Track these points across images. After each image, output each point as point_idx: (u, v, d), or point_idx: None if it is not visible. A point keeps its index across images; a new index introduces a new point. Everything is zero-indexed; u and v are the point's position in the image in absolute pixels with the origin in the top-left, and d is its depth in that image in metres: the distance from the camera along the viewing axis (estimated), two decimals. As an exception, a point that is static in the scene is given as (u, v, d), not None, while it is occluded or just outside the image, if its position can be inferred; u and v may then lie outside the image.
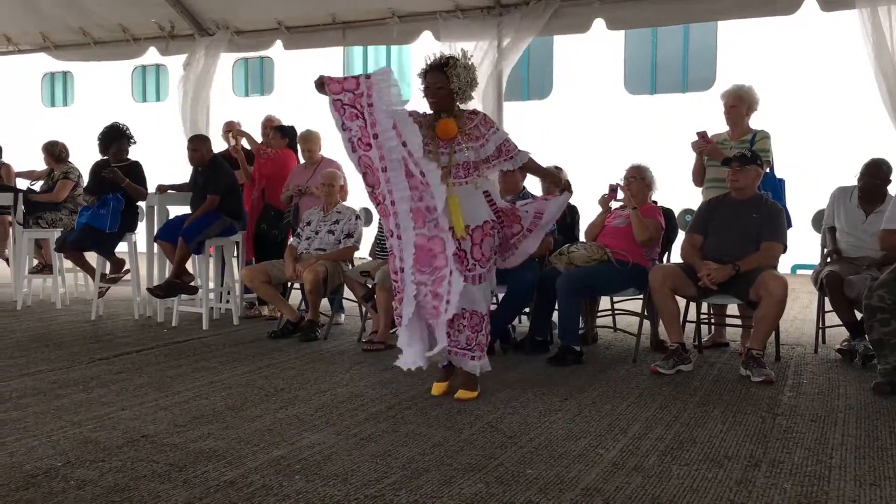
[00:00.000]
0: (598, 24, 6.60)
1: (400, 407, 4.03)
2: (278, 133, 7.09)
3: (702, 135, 5.53)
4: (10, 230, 7.99)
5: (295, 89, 14.81)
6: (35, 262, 8.11)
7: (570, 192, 4.72)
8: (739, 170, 5.02)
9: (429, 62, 4.26)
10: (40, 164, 8.17)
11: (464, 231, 4.09)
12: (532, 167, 4.53)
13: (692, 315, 5.55)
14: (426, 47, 8.42)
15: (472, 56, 4.34)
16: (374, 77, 4.03)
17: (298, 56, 9.51)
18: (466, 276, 4.12)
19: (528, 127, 11.69)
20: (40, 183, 8.16)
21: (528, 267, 5.28)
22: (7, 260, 8.28)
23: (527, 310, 5.72)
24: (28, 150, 8.91)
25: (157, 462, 3.17)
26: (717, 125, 5.72)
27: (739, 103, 5.56)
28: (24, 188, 7.99)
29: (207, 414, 3.88)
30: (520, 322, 6.14)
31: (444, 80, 4.16)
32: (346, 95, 4.02)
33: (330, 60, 13.54)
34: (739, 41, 14.22)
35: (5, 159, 8.50)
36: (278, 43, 7.75)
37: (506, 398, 4.21)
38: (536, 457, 3.26)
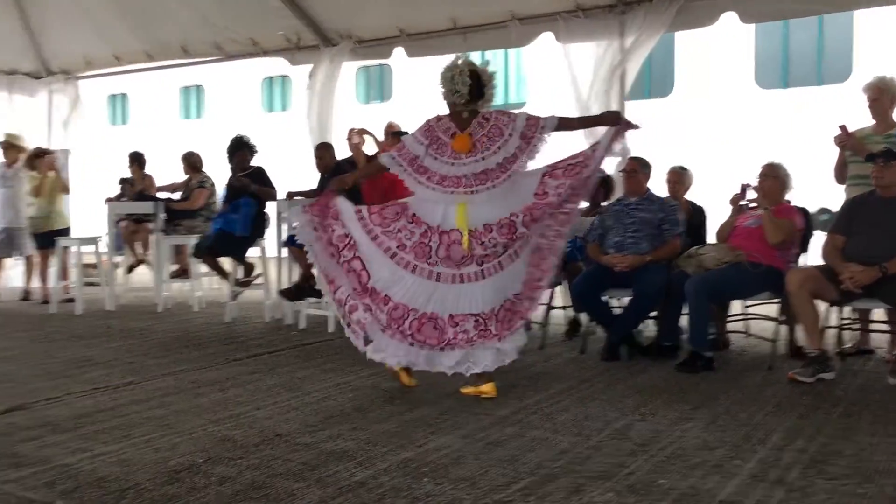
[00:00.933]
0: (727, 17, 6.36)
1: (525, 411, 3.99)
2: (396, 139, 7.19)
3: (843, 128, 5.23)
4: (152, 237, 8.46)
5: (412, 95, 15.04)
6: (174, 266, 8.55)
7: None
8: (884, 166, 4.71)
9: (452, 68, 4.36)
10: (179, 174, 8.61)
11: (468, 243, 4.19)
12: (567, 125, 4.44)
13: (833, 320, 5.24)
14: (544, 49, 8.39)
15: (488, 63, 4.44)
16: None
17: (415, 61, 9.64)
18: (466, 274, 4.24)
19: (649, 126, 11.41)
20: (179, 192, 8.60)
21: (656, 269, 5.15)
22: (149, 265, 8.77)
23: (653, 314, 5.56)
24: (167, 160, 9.40)
25: (292, 461, 3.26)
26: (856, 119, 5.39)
27: (882, 96, 5.23)
28: (164, 197, 8.45)
29: (336, 415, 3.97)
30: (646, 326, 5.98)
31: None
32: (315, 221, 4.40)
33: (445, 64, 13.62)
34: (877, 30, 13.39)
35: (147, 170, 9.03)
36: (399, 50, 7.88)
37: (634, 405, 4.10)
38: (669, 466, 3.15)
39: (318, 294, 6.72)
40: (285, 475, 3.09)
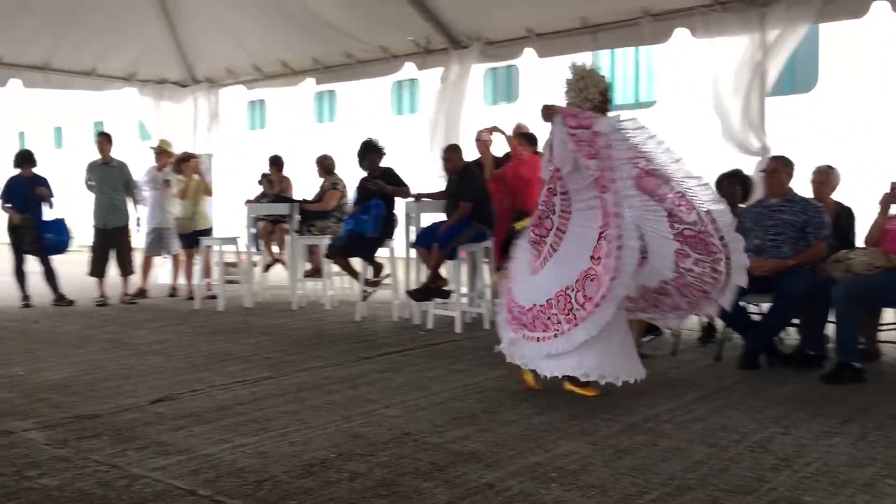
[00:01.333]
0: (878, 7, 5.95)
1: (657, 420, 3.87)
2: (525, 140, 7.16)
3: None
4: (287, 237, 8.78)
5: (539, 96, 14.91)
6: (308, 266, 8.84)
7: None
8: None
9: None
10: (313, 176, 8.90)
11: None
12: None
13: None
14: (679, 46, 8.12)
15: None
16: (612, 123, 4.10)
17: (544, 61, 9.57)
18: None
19: (791, 123, 10.85)
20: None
21: (799, 274, 4.89)
22: (284, 264, 9.10)
23: (795, 321, 5.28)
24: (302, 163, 9.72)
25: (420, 460, 3.28)
26: None
27: None
28: (299, 199, 8.74)
29: (464, 416, 3.97)
30: (787, 334, 5.68)
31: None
32: (583, 132, 4.08)
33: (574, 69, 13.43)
34: None
35: (285, 173, 9.38)
36: (528, 51, 7.83)
37: (775, 416, 3.90)
38: (815, 483, 2.97)
39: (446, 295, 6.77)
40: (414, 474, 3.12)
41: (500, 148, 7.39)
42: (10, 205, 8.32)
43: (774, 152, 5.85)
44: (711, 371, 5.00)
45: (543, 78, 14.29)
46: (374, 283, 7.67)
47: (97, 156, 8.76)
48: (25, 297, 8.39)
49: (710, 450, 3.39)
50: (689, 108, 7.99)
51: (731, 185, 6.12)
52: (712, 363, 5.22)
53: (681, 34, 6.80)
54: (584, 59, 5.64)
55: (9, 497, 2.92)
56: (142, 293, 9.05)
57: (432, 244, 6.61)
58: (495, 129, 7.20)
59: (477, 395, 4.42)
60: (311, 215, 8.37)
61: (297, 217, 8.31)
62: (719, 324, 5.73)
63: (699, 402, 4.21)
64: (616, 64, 14.66)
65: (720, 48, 6.43)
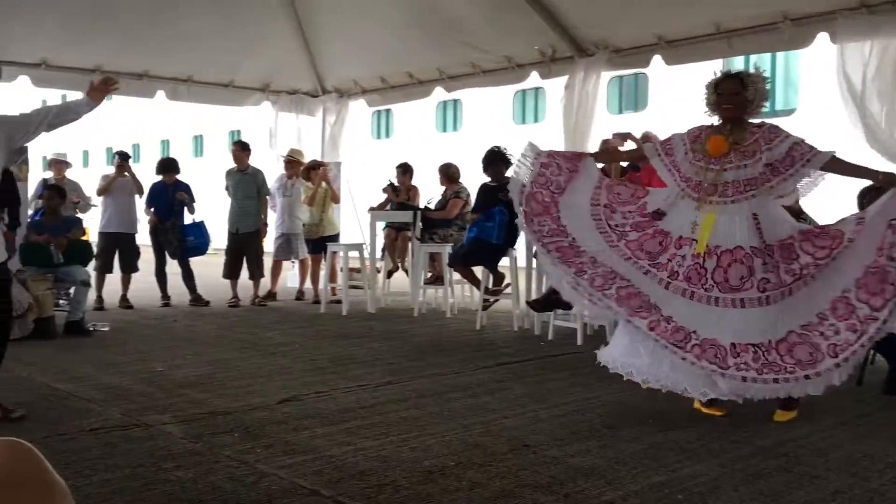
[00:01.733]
0: None
1: (791, 444, 3.67)
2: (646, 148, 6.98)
3: None
4: (409, 245, 8.91)
5: (669, 104, 14.55)
6: (429, 273, 8.94)
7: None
8: None
9: (717, 75, 4.24)
10: (435, 185, 9.00)
11: (703, 248, 4.00)
12: (838, 167, 4.07)
13: None
14: (820, 51, 7.72)
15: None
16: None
17: (674, 69, 9.32)
18: (698, 293, 3.98)
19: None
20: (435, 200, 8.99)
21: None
22: (406, 271, 9.24)
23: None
24: (426, 171, 9.85)
25: (540, 473, 3.24)
26: None
27: None
28: (422, 206, 8.86)
29: (584, 430, 3.90)
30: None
31: (741, 86, 4.12)
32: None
33: (706, 71, 13.05)
34: None
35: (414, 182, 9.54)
36: (657, 59, 7.64)
37: (924, 447, 3.62)
38: (971, 523, 2.73)
39: (567, 306, 6.67)
40: (533, 487, 3.08)
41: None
42: (152, 209, 8.84)
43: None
44: (852, 395, 4.69)
45: (675, 86, 13.98)
46: (495, 293, 7.67)
47: (234, 164, 9.20)
48: (165, 297, 8.88)
49: (850, 479, 3.18)
50: (832, 116, 7.54)
51: (875, 198, 5.75)
52: (853, 387, 4.90)
53: (823, 39, 6.47)
54: (715, 66, 5.46)
55: (147, 487, 3.08)
56: (271, 296, 9.40)
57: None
58: (629, 136, 6.99)
59: (598, 409, 4.33)
60: (434, 223, 8.47)
61: (420, 225, 8.42)
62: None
63: (838, 428, 3.97)
64: (750, 69, 14.14)
65: (866, 52, 6.07)
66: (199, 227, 8.98)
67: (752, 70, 4.28)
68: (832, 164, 4.04)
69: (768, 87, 4.25)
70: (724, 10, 6.84)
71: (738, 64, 14.12)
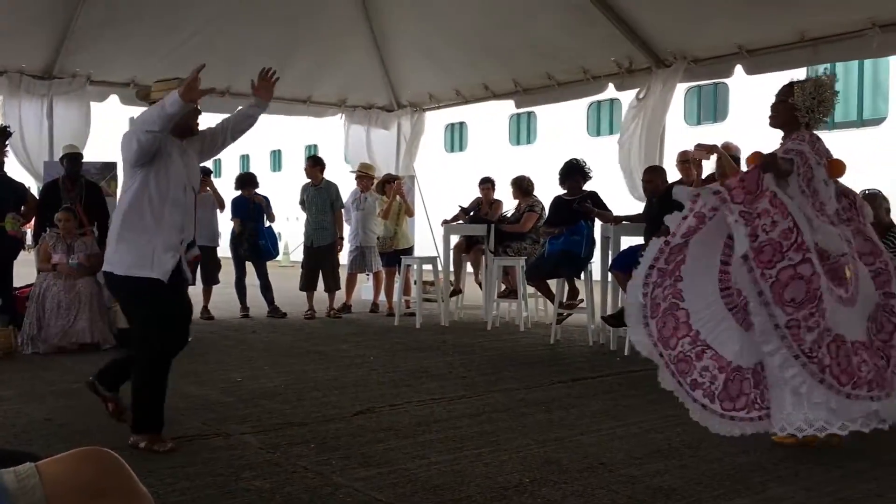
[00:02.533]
0: None
1: (885, 468, 3.51)
2: (730, 162, 6.79)
3: None
4: (484, 258, 8.89)
5: (752, 114, 14.16)
6: (503, 287, 8.91)
7: None
8: None
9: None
10: (508, 198, 8.96)
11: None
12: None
13: None
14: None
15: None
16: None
17: (757, 79, 9.10)
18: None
19: None
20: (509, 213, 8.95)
21: None
22: (480, 284, 9.23)
23: None
24: (499, 184, 9.83)
25: (617, 492, 3.17)
26: None
27: None
28: (495, 219, 8.83)
29: (663, 449, 3.81)
30: None
31: (788, 92, 3.85)
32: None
33: (789, 80, 12.67)
34: None
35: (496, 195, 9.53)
36: (738, 68, 7.46)
37: None
38: None
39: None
40: (610, 506, 3.01)
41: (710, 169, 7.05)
42: (238, 218, 9.10)
43: None
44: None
45: (757, 95, 13.63)
46: (570, 306, 7.59)
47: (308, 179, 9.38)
48: (245, 309, 9.08)
49: (950, 509, 3.01)
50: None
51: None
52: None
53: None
54: (799, 74, 5.27)
55: (225, 496, 3.14)
56: (347, 308, 9.52)
57: (631, 268, 6.41)
58: (714, 149, 6.65)
59: (677, 427, 4.21)
60: (507, 236, 8.43)
61: (493, 238, 8.40)
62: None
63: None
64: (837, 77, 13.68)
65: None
66: (271, 232, 9.28)
67: (821, 75, 4.03)
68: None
69: (832, 93, 3.91)
70: (809, 17, 6.65)
71: (822, 69, 13.76)
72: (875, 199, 5.25)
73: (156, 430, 3.76)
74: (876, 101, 13.24)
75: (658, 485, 3.27)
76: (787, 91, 3.94)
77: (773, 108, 3.99)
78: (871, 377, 3.53)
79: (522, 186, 8.66)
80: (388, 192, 9.49)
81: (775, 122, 4.00)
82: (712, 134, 10.80)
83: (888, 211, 5.27)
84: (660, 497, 3.12)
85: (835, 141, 14.59)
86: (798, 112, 3.88)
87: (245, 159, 27.42)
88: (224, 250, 9.05)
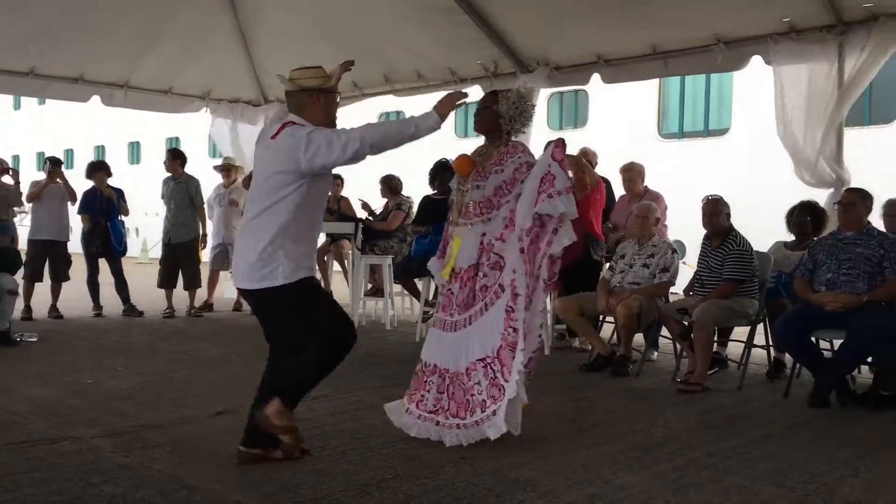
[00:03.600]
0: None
1: (721, 456, 3.76)
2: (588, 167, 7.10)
3: None
4: (350, 253, 8.85)
5: (609, 121, 14.81)
6: (369, 285, 8.90)
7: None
8: None
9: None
10: (377, 196, 8.97)
11: (448, 274, 3.94)
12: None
13: None
14: (752, 73, 7.98)
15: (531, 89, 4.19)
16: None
17: (614, 87, 9.51)
18: (446, 321, 3.97)
19: (869, 155, 10.52)
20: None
21: (875, 311, 4.73)
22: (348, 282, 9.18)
23: (869, 359, 5.10)
24: (368, 183, 9.82)
25: (476, 485, 3.25)
26: None
27: None
28: (363, 217, 8.82)
29: (522, 442, 3.92)
30: (859, 373, 5.48)
31: (493, 101, 4.05)
32: None
33: (645, 90, 13.38)
34: None
35: (344, 193, 9.48)
36: (596, 76, 7.80)
37: (846, 458, 3.75)
38: (888, 531, 2.84)
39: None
40: (469, 499, 3.09)
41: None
42: (87, 214, 8.62)
43: (852, 184, 5.68)
44: (779, 408, 4.84)
45: (614, 103, 14.25)
46: (435, 304, 7.67)
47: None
48: (98, 307, 8.65)
49: (776, 490, 3.27)
50: (765, 137, 7.78)
51: (802, 216, 5.98)
52: (780, 400, 5.06)
53: (756, 61, 6.69)
54: (652, 85, 5.57)
55: (74, 503, 2.99)
56: (208, 307, 9.24)
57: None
58: (576, 161, 6.82)
59: (535, 422, 4.35)
60: (375, 234, 8.44)
61: (360, 236, 8.39)
62: (788, 359, 5.57)
63: (766, 440, 4.08)
64: (685, 90, 14.49)
65: (795, 76, 6.29)
66: (118, 228, 8.76)
67: (521, 87, 4.21)
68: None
69: (532, 106, 4.12)
70: (660, 31, 7.03)
71: (674, 83, 14.56)
72: (716, 204, 5.62)
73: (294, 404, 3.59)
74: (721, 112, 14.15)
75: (516, 476, 3.38)
76: (492, 99, 4.09)
77: (478, 114, 4.13)
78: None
79: (391, 185, 8.69)
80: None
81: (480, 128, 4.15)
82: (573, 139, 11.21)
83: (728, 216, 5.65)
84: (517, 488, 3.23)
85: (683, 149, 15.58)
86: (502, 119, 4.04)
87: (100, 150, 26.05)
88: (75, 245, 8.59)
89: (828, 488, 3.30)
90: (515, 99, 4.04)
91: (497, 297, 3.86)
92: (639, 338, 6.13)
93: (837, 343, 5.10)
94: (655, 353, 6.46)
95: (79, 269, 8.62)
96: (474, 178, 4.06)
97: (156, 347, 6.72)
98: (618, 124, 14.47)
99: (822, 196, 6.19)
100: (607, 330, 6.80)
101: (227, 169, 9.50)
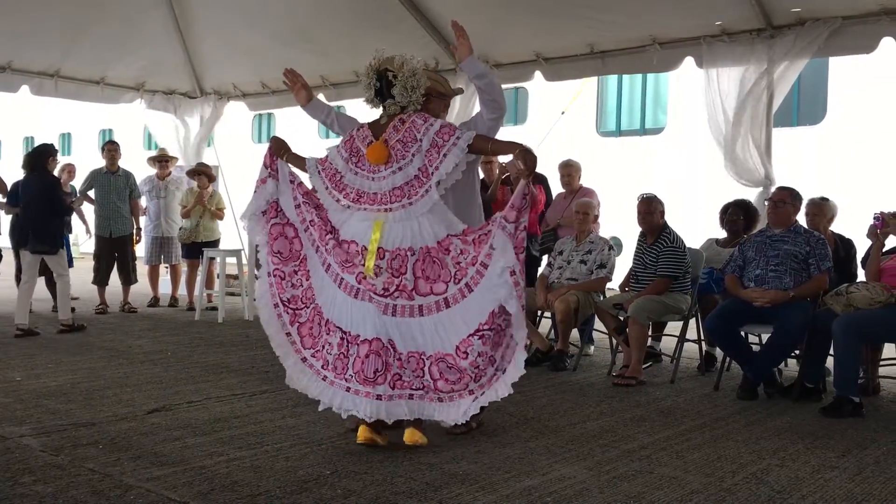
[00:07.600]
0: (887, 43, 5.98)
1: (654, 447, 3.86)
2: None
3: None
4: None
5: (548, 118, 14.96)
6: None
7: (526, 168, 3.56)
8: None
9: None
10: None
11: (371, 271, 3.61)
12: (480, 145, 3.68)
13: None
14: (686, 74, 8.17)
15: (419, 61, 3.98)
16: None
17: (553, 85, 9.60)
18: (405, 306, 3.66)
19: (797, 155, 10.88)
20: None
21: (800, 306, 4.90)
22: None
23: (795, 353, 5.28)
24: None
25: (415, 479, 3.27)
26: None
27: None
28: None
29: (462, 437, 3.96)
30: (786, 366, 5.68)
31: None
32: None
33: (583, 88, 13.58)
34: None
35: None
36: (537, 74, 7.88)
37: (772, 448, 3.88)
38: (810, 517, 2.95)
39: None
40: (408, 493, 3.11)
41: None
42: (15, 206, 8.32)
43: (780, 183, 5.86)
44: (709, 400, 4.98)
45: (553, 101, 14.40)
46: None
47: (103, 163, 8.81)
48: (26, 303, 8.37)
49: (705, 479, 3.37)
50: (698, 137, 7.96)
51: (735, 214, 6.15)
52: (711, 392, 5.21)
53: (689, 63, 6.85)
54: (591, 83, 5.66)
55: (2, 503, 2.91)
56: (155, 301, 9.10)
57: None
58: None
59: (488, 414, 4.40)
60: None
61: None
62: (719, 353, 5.73)
63: (696, 431, 4.20)
64: (623, 89, 14.74)
65: (726, 77, 6.47)
66: None
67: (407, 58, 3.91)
68: (476, 143, 3.66)
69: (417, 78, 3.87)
70: (598, 31, 7.13)
71: (612, 81, 14.79)
72: (651, 202, 5.75)
73: None
74: (656, 112, 14.45)
75: (454, 470, 3.41)
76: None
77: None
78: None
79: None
80: (200, 182, 9.05)
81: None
82: (513, 135, 11.30)
83: (662, 213, 5.79)
84: (455, 482, 3.26)
85: (620, 147, 15.78)
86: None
87: (29, 142, 25.21)
88: (4, 240, 8.31)
89: (754, 478, 3.42)
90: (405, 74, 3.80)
91: (480, 276, 3.59)
92: (575, 333, 6.22)
93: (765, 337, 5.27)
94: (592, 348, 6.58)
95: (8, 262, 8.35)
96: (395, 160, 3.70)
97: (88, 344, 6.55)
98: (554, 122, 14.64)
99: (752, 194, 6.38)
100: (546, 325, 6.91)
101: (162, 160, 9.32)
